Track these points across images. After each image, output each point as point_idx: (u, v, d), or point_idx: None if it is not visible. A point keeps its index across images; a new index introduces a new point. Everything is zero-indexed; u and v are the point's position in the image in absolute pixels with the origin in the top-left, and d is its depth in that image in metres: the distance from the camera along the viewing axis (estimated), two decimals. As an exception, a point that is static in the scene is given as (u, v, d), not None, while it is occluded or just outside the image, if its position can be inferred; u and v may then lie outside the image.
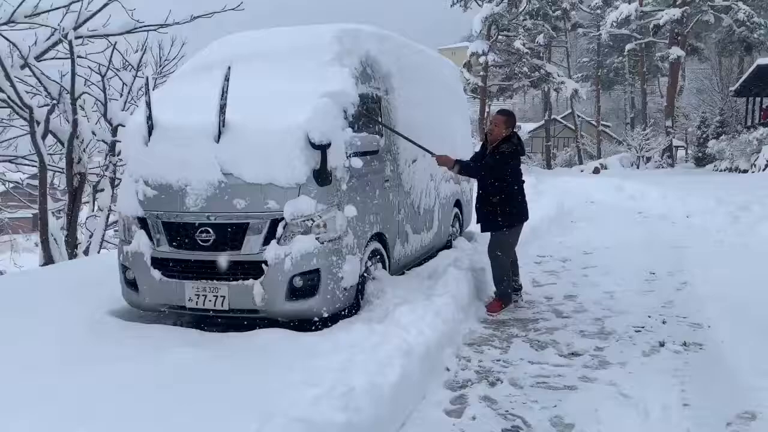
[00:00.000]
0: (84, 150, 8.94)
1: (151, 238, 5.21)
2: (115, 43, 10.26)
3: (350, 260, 5.28)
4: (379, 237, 5.98)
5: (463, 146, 8.77)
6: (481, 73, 29.19)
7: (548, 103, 39.68)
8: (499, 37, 28.67)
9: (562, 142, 48.90)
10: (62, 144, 8.66)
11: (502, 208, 6.28)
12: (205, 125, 5.00)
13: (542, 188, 18.33)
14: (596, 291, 6.94)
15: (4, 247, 15.27)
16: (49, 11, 11.21)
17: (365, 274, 5.69)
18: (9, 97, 8.18)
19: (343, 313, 5.25)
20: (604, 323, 5.79)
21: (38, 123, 8.20)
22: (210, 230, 5.00)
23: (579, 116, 42.21)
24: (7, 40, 8.67)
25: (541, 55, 32.93)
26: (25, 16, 10.89)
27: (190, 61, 6.29)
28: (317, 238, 4.96)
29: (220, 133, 4.97)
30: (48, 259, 8.67)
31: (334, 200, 5.08)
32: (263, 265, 4.91)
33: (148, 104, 5.15)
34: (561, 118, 48.23)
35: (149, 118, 5.17)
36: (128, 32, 11.32)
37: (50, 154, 11.42)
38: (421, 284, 5.86)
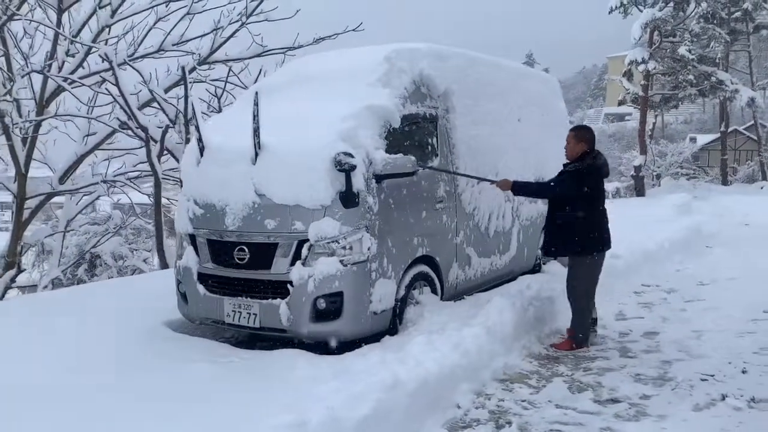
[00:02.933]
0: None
1: (198, 254, 5.48)
2: (230, 67, 10.95)
3: (383, 284, 5.19)
4: (428, 260, 5.81)
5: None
6: (642, 81, 27.30)
7: (725, 113, 36.15)
8: (663, 43, 26.64)
9: (745, 156, 44.32)
10: (177, 160, 9.39)
11: (567, 233, 5.77)
12: (246, 148, 5.18)
13: (696, 206, 16.82)
14: (684, 329, 6.20)
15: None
16: (193, 39, 12.31)
17: (407, 298, 5.57)
18: (127, 121, 9.06)
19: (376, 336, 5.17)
20: (670, 367, 5.16)
21: (155, 142, 8.97)
22: (245, 249, 5.17)
23: (765, 126, 38.02)
24: (139, 73, 9.54)
25: (717, 60, 30.14)
26: (173, 45, 12.06)
27: (254, 85, 6.56)
28: (341, 261, 4.94)
29: (256, 155, 5.13)
30: (164, 266, 9.44)
31: (362, 223, 5.03)
32: (289, 286, 4.98)
33: (197, 127, 5.44)
34: (744, 128, 43.76)
35: (200, 140, 5.47)
36: (257, 56, 12.08)
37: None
38: (467, 311, 5.58)
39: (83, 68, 11.67)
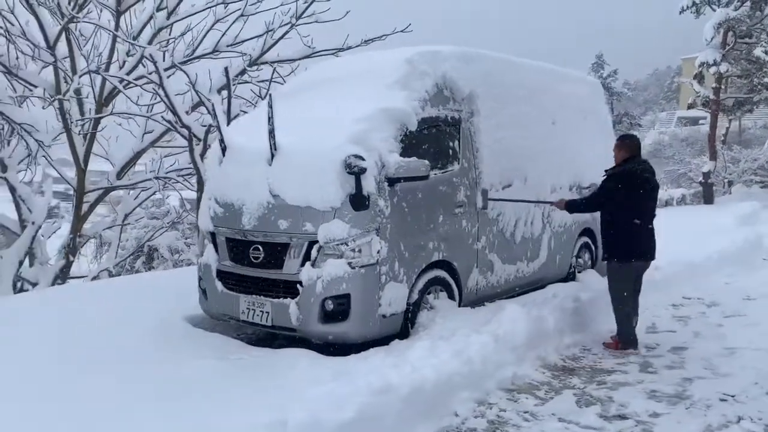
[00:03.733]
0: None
1: (217, 252, 5.61)
2: (274, 68, 11.12)
3: (393, 287, 5.18)
4: (445, 265, 5.76)
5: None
6: (713, 85, 26.17)
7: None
8: (737, 44, 25.47)
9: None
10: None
11: (607, 239, 5.96)
12: (264, 149, 5.26)
13: (765, 216, 15.99)
14: (715, 345, 5.91)
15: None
16: (248, 40, 12.59)
17: (421, 303, 5.54)
18: (172, 120, 9.31)
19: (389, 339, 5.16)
20: (690, 385, 4.94)
21: (198, 140, 9.21)
22: (260, 248, 5.25)
23: None
24: (186, 75, 9.80)
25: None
26: (227, 45, 12.36)
27: (282, 87, 6.65)
28: (350, 263, 4.95)
29: (272, 156, 5.21)
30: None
31: (372, 226, 5.02)
32: (299, 286, 5.04)
33: (218, 128, 5.57)
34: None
35: (222, 141, 5.59)
36: (306, 57, 12.23)
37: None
38: (482, 318, 5.49)
39: (143, 66, 12.15)
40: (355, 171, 4.86)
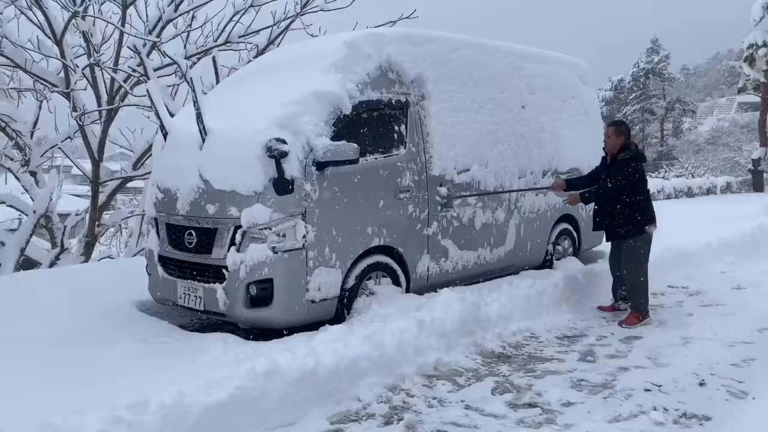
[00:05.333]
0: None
1: (159, 237, 5.69)
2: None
3: (323, 272, 5.15)
4: (388, 250, 5.68)
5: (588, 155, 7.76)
6: (764, 68, 24.94)
7: None
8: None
9: None
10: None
11: (630, 215, 6.13)
12: (197, 133, 5.29)
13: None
14: (673, 335, 5.65)
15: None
16: (260, 30, 12.74)
17: (359, 288, 5.49)
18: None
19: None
20: (623, 374, 4.73)
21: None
22: (193, 233, 5.30)
23: None
24: (178, 65, 9.97)
25: None
26: (239, 36, 12.53)
27: (234, 73, 6.68)
28: (273, 248, 4.93)
29: (203, 140, 5.24)
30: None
31: (297, 210, 4.99)
32: (224, 271, 5.06)
33: (157, 114, 5.63)
34: None
35: (161, 127, 5.66)
36: (312, 46, 12.26)
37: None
38: (419, 304, 5.39)
39: (151, 60, 12.43)
40: (275, 155, 4.84)
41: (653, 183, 20.71)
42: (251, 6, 12.87)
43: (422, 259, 5.99)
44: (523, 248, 7.15)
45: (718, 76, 67.49)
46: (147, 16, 12.28)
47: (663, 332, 5.78)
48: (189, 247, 5.33)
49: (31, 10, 10.86)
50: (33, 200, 10.19)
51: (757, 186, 24.53)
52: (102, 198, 12.81)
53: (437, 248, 6.13)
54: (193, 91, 5.05)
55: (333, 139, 5.19)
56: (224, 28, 13.01)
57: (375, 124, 5.66)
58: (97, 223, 12.51)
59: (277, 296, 4.97)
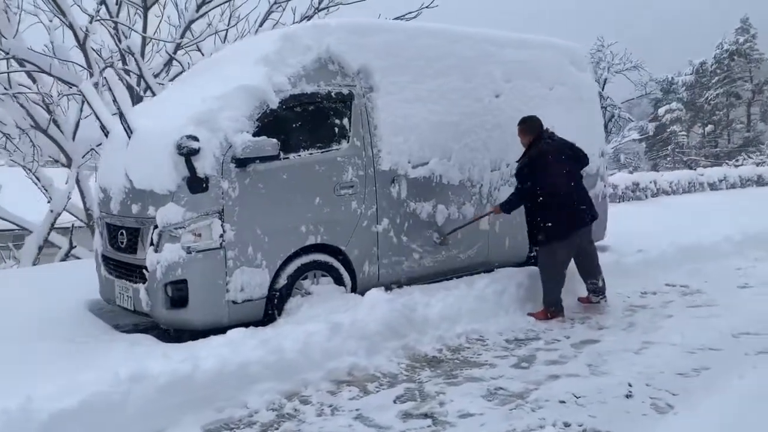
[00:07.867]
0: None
1: (102, 237, 5.70)
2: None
3: (246, 272, 5.00)
4: (329, 249, 5.46)
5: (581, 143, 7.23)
6: None
7: None
8: None
9: None
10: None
11: (531, 222, 5.93)
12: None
13: None
14: (635, 340, 5.12)
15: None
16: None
17: (295, 288, 5.30)
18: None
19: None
20: (547, 384, 4.31)
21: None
22: (123, 233, 5.28)
23: None
24: (179, 63, 10.11)
25: None
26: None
27: (185, 72, 6.62)
28: (188, 248, 4.82)
29: (129, 139, 5.19)
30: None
31: (213, 209, 4.87)
32: (144, 271, 4.99)
33: (97, 115, 5.64)
34: None
35: (102, 127, 5.67)
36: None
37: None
38: (351, 304, 5.15)
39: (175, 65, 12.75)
40: (184, 152, 4.72)
41: (713, 172, 19.37)
42: (275, 3, 13.06)
43: (371, 258, 5.74)
44: (500, 245, 6.75)
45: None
46: (169, 18, 12.60)
47: (625, 336, 5.28)
48: (122, 246, 5.31)
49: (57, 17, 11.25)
50: (50, 199, 10.54)
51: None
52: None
53: (390, 246, 5.85)
54: (110, 89, 5.01)
55: (258, 134, 5.03)
56: (260, 25, 13.25)
57: (310, 117, 5.45)
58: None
59: (193, 297, 4.86)
